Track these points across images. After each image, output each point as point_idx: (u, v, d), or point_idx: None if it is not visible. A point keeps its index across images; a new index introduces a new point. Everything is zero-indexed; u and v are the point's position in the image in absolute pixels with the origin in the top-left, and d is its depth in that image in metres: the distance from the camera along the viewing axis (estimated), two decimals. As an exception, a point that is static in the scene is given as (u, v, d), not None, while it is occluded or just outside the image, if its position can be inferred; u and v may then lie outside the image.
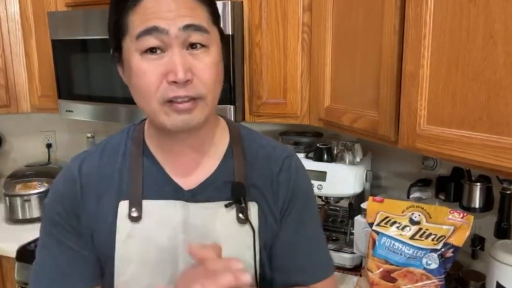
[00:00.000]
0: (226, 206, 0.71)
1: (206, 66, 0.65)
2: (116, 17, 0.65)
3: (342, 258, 1.32)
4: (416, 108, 0.89)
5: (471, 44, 0.77)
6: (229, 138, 0.77)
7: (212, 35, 0.67)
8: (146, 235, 0.70)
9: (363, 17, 1.07)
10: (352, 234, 1.32)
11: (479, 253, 1.30)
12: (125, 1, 0.64)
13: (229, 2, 1.24)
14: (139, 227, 0.70)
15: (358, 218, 1.20)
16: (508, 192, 1.20)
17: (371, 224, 1.08)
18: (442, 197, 1.34)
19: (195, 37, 0.64)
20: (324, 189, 1.32)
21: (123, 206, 0.70)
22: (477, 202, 1.25)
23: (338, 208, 1.50)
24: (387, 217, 1.07)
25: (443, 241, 0.99)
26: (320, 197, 1.43)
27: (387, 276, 1.02)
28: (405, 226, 1.04)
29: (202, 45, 0.65)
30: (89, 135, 1.89)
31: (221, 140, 0.76)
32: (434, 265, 0.99)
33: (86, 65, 1.48)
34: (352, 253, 1.30)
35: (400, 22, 0.93)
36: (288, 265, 0.75)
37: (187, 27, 0.63)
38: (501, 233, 1.22)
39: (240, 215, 0.71)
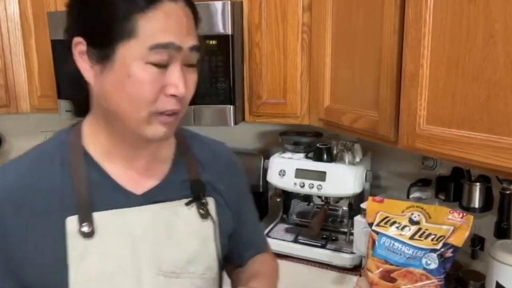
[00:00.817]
0: (187, 204, 0.72)
1: (192, 84, 0.66)
2: (118, 16, 0.60)
3: (342, 258, 1.32)
4: (416, 108, 0.89)
5: (471, 44, 0.77)
6: (175, 139, 0.77)
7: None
8: (102, 250, 0.65)
9: (363, 17, 1.07)
10: (351, 234, 1.32)
11: (478, 253, 1.30)
12: (133, 1, 0.60)
13: (229, 2, 1.24)
14: (93, 242, 0.65)
15: (358, 218, 1.20)
16: (508, 192, 1.20)
17: (370, 224, 1.08)
18: (442, 197, 1.34)
19: (194, 57, 0.65)
20: (324, 189, 1.32)
21: (71, 222, 0.64)
22: (476, 202, 1.25)
23: (337, 208, 1.50)
24: (386, 217, 1.07)
25: (442, 241, 0.99)
26: (320, 197, 1.43)
27: (387, 276, 1.02)
28: (405, 226, 1.04)
29: (191, 64, 0.66)
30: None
31: (169, 143, 0.76)
32: (433, 265, 0.98)
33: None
34: (352, 253, 1.30)
35: (400, 22, 0.93)
36: (240, 245, 0.85)
37: (193, 47, 0.64)
38: (500, 233, 1.22)
39: (201, 210, 0.73)
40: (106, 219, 0.66)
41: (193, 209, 0.73)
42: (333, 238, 1.42)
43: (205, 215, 0.74)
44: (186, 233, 0.72)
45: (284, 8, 1.28)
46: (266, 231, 1.47)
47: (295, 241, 1.41)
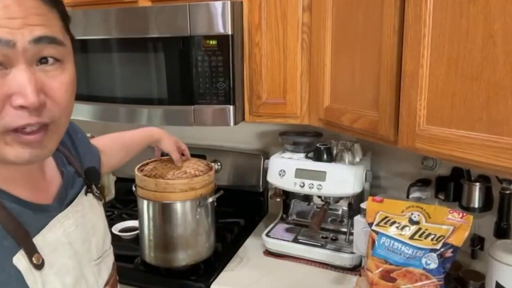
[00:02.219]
0: (86, 194, 0.74)
1: (61, 85, 0.54)
2: None
3: (341, 258, 1.32)
4: (415, 107, 0.89)
5: (470, 44, 0.77)
6: None
7: (67, 47, 0.56)
8: (56, 271, 0.61)
9: (362, 17, 1.07)
10: (351, 234, 1.32)
11: (478, 253, 1.30)
12: None
13: (229, 2, 1.24)
14: (47, 268, 0.59)
15: (358, 218, 1.20)
16: (508, 192, 1.20)
17: (370, 224, 1.08)
18: (442, 197, 1.34)
19: (49, 51, 0.52)
20: (324, 189, 1.32)
21: (20, 260, 0.56)
22: (476, 202, 1.25)
23: (337, 208, 1.50)
24: (386, 217, 1.07)
25: (442, 241, 0.99)
26: (319, 197, 1.43)
27: (387, 276, 1.02)
28: (405, 226, 1.04)
29: (56, 59, 0.54)
30: (88, 135, 1.87)
31: None
32: (433, 265, 0.99)
33: (85, 65, 1.48)
34: (352, 253, 1.30)
35: (399, 22, 0.93)
36: None
37: (39, 39, 0.51)
38: (500, 232, 1.22)
39: (96, 193, 0.77)
40: (45, 241, 0.61)
41: (90, 195, 0.75)
42: (333, 238, 1.43)
43: (99, 197, 0.78)
44: (95, 218, 0.75)
45: (284, 8, 1.28)
46: (266, 231, 1.47)
47: (295, 241, 1.41)
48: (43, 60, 0.53)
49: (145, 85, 1.38)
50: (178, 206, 1.24)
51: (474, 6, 0.76)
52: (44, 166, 0.69)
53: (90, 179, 0.76)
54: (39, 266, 0.58)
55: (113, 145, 1.13)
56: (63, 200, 0.68)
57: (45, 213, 0.64)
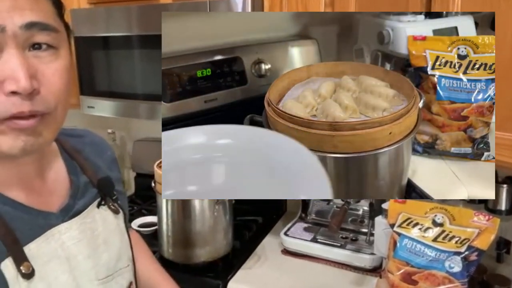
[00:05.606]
0: (98, 206, 0.69)
1: (56, 72, 0.52)
2: None
3: (361, 259, 1.30)
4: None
5: None
6: (54, 142, 0.69)
7: (61, 33, 0.55)
8: (46, 284, 0.57)
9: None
10: (372, 234, 1.30)
11: (504, 256, 1.27)
12: None
13: (250, -2, 1.23)
14: (36, 279, 0.56)
15: (379, 219, 1.18)
16: (536, 194, 1.16)
17: (392, 225, 1.06)
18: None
19: (41, 37, 0.51)
20: (344, 188, 1.30)
21: (8, 267, 0.54)
22: (503, 204, 1.21)
23: (358, 208, 1.47)
24: (409, 218, 1.04)
25: (467, 244, 0.96)
26: (339, 196, 1.41)
27: (408, 279, 1.00)
28: (428, 228, 1.01)
29: (50, 46, 0.52)
30: (109, 131, 1.91)
31: (51, 146, 0.68)
32: (457, 268, 0.96)
33: (107, 61, 1.49)
34: (372, 254, 1.28)
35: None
36: None
37: (31, 25, 0.49)
38: (528, 236, 1.18)
39: (112, 206, 0.71)
40: (37, 250, 0.57)
41: (105, 208, 0.70)
42: (353, 238, 1.40)
43: (116, 210, 0.71)
44: (108, 233, 0.69)
45: (305, 4, 1.26)
46: (284, 230, 1.45)
47: (314, 240, 1.40)
48: (36, 46, 0.51)
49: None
50: (197, 203, 1.24)
51: None
52: (45, 169, 0.65)
53: (104, 190, 0.70)
54: (28, 275, 0.55)
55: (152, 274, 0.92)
56: (69, 211, 0.64)
57: (44, 221, 0.60)
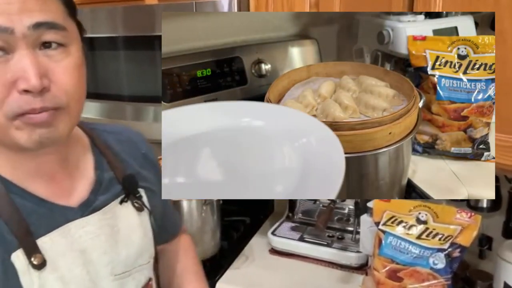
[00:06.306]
0: (121, 203, 0.69)
1: (66, 70, 0.54)
2: None
3: (348, 257, 1.31)
4: None
5: None
6: (87, 136, 0.71)
7: (71, 31, 0.56)
8: (58, 276, 0.58)
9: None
10: (358, 233, 1.31)
11: (486, 253, 1.29)
12: None
13: (236, -1, 1.24)
14: (47, 272, 0.57)
15: (364, 217, 1.19)
16: (517, 191, 1.19)
17: (377, 223, 1.08)
18: (450, 196, 1.33)
19: (49, 36, 0.53)
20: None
21: (19, 258, 0.55)
22: (485, 202, 1.24)
23: (344, 207, 1.49)
24: (393, 216, 1.06)
25: (450, 241, 0.98)
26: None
27: (394, 276, 1.01)
28: (412, 225, 1.03)
29: (59, 44, 0.54)
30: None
31: (81, 141, 0.70)
32: (441, 265, 0.98)
33: (93, 62, 1.48)
34: (358, 252, 1.30)
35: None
36: (162, 229, 0.81)
37: (38, 25, 0.51)
38: (509, 233, 1.21)
39: (136, 204, 0.71)
40: (52, 243, 0.59)
41: (128, 205, 0.70)
42: (339, 237, 1.42)
43: (140, 207, 0.71)
44: (129, 230, 0.69)
45: (291, 5, 1.27)
46: (271, 230, 1.46)
47: (301, 239, 1.41)
48: (46, 45, 0.53)
49: (152, 83, 1.38)
50: (184, 204, 1.24)
51: None
52: (70, 163, 0.66)
53: (128, 187, 0.71)
54: (39, 266, 0.56)
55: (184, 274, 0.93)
56: (88, 206, 0.65)
57: (61, 215, 0.61)
